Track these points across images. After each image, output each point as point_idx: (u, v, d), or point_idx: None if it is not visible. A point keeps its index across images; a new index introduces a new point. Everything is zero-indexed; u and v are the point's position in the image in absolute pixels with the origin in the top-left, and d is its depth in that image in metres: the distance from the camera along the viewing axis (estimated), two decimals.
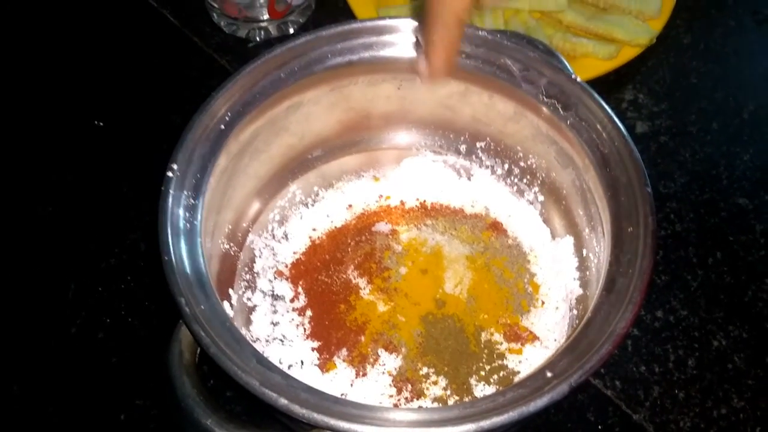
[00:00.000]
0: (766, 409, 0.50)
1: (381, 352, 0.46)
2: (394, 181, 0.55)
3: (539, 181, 0.52)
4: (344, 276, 0.50)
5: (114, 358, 0.52)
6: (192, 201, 0.42)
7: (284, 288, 0.49)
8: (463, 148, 0.54)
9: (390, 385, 0.45)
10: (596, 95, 0.44)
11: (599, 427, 0.50)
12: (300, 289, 0.49)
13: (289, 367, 0.46)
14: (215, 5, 0.66)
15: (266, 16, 0.65)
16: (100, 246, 0.57)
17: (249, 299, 0.49)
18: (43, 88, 0.66)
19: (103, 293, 0.54)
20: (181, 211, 0.41)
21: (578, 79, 0.45)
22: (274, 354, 0.46)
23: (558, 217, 0.51)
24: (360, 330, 0.47)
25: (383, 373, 0.46)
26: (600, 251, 0.45)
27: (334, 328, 0.48)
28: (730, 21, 0.71)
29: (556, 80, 0.46)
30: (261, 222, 0.52)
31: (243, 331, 0.46)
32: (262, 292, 0.49)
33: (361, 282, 0.49)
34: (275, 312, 0.49)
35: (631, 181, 0.42)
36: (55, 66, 0.67)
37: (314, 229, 0.53)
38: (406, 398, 0.45)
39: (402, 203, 0.54)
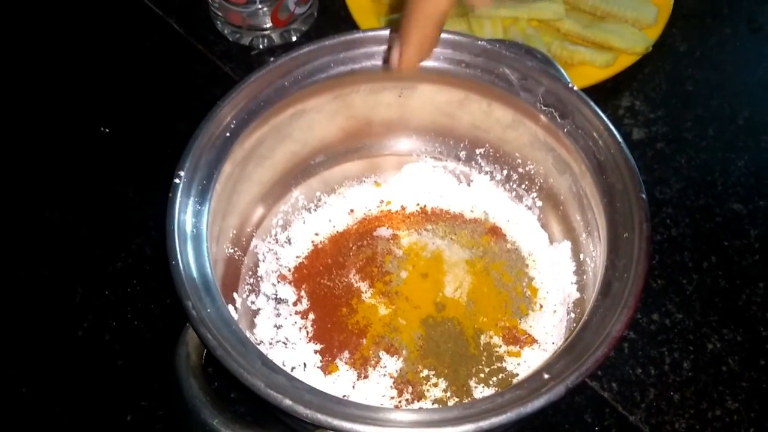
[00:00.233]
0: (760, 411, 0.51)
1: (382, 354, 0.47)
2: (395, 186, 0.55)
3: (537, 187, 0.53)
4: (346, 280, 0.50)
5: (120, 361, 0.52)
6: (198, 207, 0.42)
7: (287, 292, 0.50)
8: (462, 154, 0.55)
9: (391, 387, 0.46)
10: (592, 103, 0.45)
11: (596, 428, 0.50)
12: (303, 293, 0.50)
13: (292, 369, 0.47)
14: (219, 14, 0.67)
15: (269, 25, 0.66)
16: (107, 250, 0.57)
17: (253, 303, 0.50)
18: (50, 96, 0.66)
19: (110, 297, 0.55)
20: (187, 217, 0.42)
21: (575, 88, 0.46)
22: (277, 356, 0.47)
23: (556, 223, 0.52)
24: (362, 333, 0.48)
25: (384, 375, 0.46)
26: (596, 256, 0.45)
27: (337, 331, 0.48)
28: (726, 29, 0.71)
29: (554, 89, 0.47)
30: (265, 227, 0.53)
31: (247, 334, 0.47)
32: (266, 295, 0.50)
33: (363, 286, 0.50)
34: (278, 315, 0.49)
35: (626, 188, 0.42)
36: (63, 74, 0.68)
37: (317, 234, 0.53)
38: (407, 400, 0.45)
39: (403, 208, 0.54)
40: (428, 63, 0.48)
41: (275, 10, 0.65)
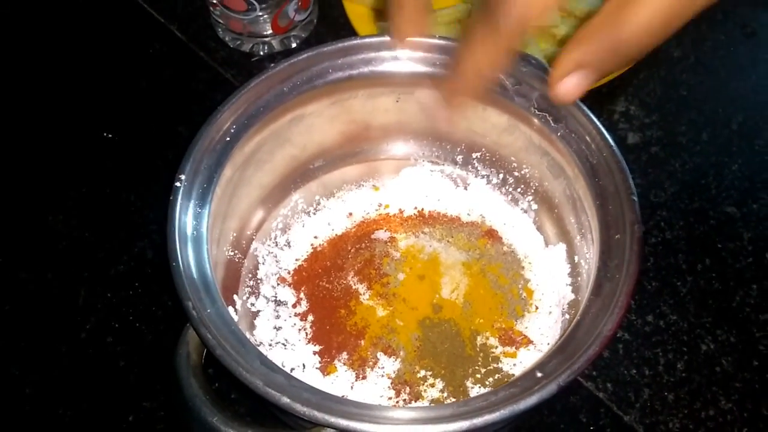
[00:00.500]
0: (753, 411, 0.51)
1: (380, 355, 0.47)
2: (393, 190, 0.56)
3: (533, 190, 0.53)
4: (344, 282, 0.51)
5: (122, 362, 0.53)
6: (199, 210, 0.43)
7: (287, 294, 0.51)
8: (459, 158, 0.56)
9: (389, 387, 0.46)
10: (585, 108, 0.45)
11: (591, 428, 0.50)
12: (302, 295, 0.51)
13: (292, 370, 0.47)
14: (221, 21, 0.67)
15: (270, 31, 0.67)
16: (109, 254, 0.58)
17: (253, 305, 0.50)
18: (54, 102, 0.67)
19: (112, 299, 0.55)
20: (188, 219, 0.42)
21: None
22: (276, 357, 0.47)
23: (551, 225, 0.52)
24: (360, 334, 0.48)
25: (382, 375, 0.47)
26: (590, 257, 0.46)
27: (335, 332, 0.49)
28: (720, 35, 0.71)
29: (547, 94, 0.47)
30: (264, 230, 0.53)
31: (247, 335, 0.47)
32: (266, 297, 0.50)
33: (361, 288, 0.51)
34: (278, 317, 0.50)
35: (618, 191, 0.43)
36: (66, 80, 0.68)
37: (316, 237, 0.54)
38: (405, 400, 0.46)
39: (400, 211, 0.55)
40: (424, 69, 0.48)
41: (275, 18, 0.65)
